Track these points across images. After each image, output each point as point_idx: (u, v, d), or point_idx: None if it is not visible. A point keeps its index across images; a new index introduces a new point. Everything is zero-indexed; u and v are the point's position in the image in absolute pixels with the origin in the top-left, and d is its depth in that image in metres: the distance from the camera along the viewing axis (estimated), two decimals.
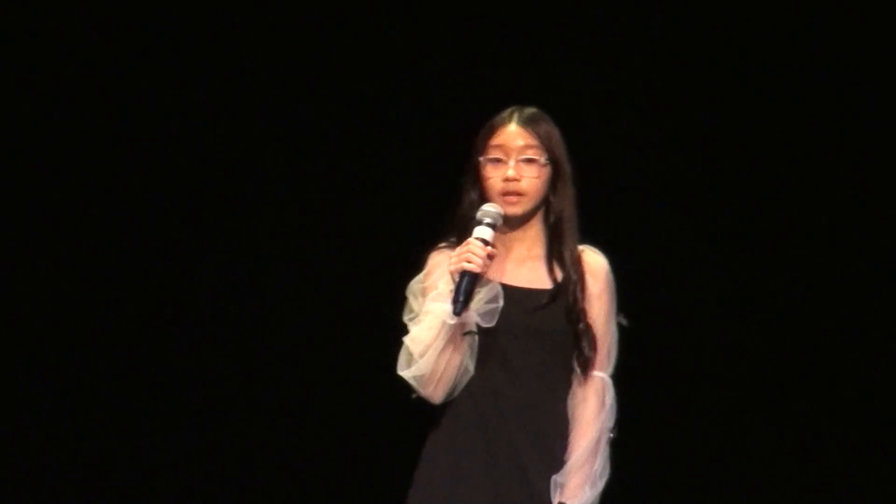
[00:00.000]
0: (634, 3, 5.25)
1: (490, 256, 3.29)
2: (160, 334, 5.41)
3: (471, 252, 3.28)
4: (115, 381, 5.47)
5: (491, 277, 3.34)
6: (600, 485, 3.38)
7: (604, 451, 3.38)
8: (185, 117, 5.36)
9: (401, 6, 5.20)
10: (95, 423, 5.45)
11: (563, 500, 3.33)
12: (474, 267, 3.27)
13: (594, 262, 3.46)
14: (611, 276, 3.46)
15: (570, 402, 3.40)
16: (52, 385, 5.48)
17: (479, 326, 3.33)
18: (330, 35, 5.27)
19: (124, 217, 5.43)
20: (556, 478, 3.34)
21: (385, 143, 5.13)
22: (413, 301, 3.43)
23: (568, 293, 3.38)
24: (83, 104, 5.44)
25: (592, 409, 3.39)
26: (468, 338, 3.34)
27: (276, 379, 5.28)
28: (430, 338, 3.31)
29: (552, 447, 3.37)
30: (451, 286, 3.31)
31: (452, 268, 3.30)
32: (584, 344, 3.38)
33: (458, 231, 3.44)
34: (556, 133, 3.44)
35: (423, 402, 3.39)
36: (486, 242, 3.30)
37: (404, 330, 3.42)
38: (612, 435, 3.41)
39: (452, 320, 3.29)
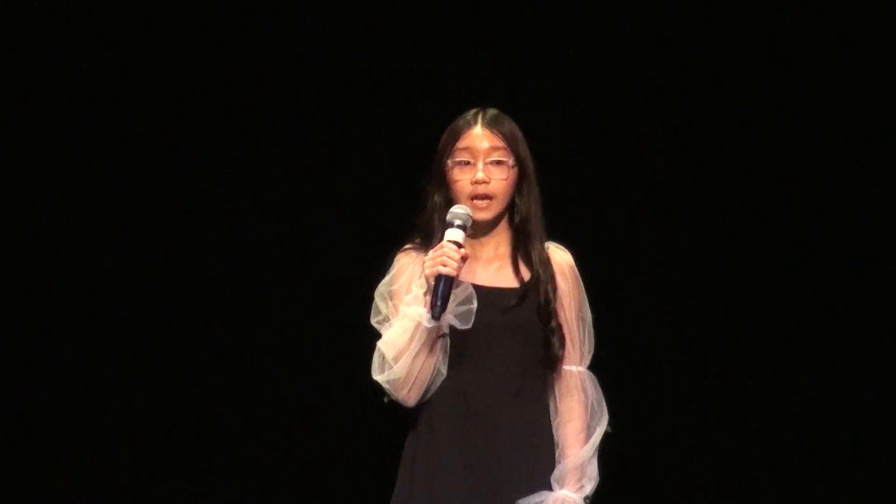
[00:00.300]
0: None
1: (463, 259, 3.31)
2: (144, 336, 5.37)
3: (445, 255, 3.28)
4: (111, 382, 5.41)
5: (461, 279, 3.36)
6: (597, 477, 3.43)
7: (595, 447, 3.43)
8: (160, 125, 5.31)
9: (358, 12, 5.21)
10: (93, 424, 5.39)
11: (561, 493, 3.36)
12: (450, 270, 3.27)
13: (560, 258, 3.49)
14: (576, 271, 3.51)
15: (550, 400, 3.44)
16: (48, 385, 5.40)
17: (451, 328, 3.34)
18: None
19: (117, 218, 5.36)
20: (553, 476, 3.38)
21: (344, 148, 5.11)
22: (381, 303, 3.43)
23: (539, 292, 3.41)
24: (80, 104, 5.35)
25: (575, 403, 3.43)
26: (441, 340, 3.35)
27: (250, 383, 5.26)
28: (405, 341, 3.32)
29: (528, 444, 3.39)
30: (425, 289, 3.31)
31: (428, 272, 3.30)
32: (555, 341, 3.41)
33: (424, 233, 3.45)
34: (519, 133, 3.46)
35: (395, 406, 3.40)
36: (458, 245, 3.31)
37: (371, 332, 3.42)
38: (608, 430, 3.45)
39: (431, 324, 3.29)
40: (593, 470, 3.43)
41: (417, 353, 3.32)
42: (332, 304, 4.64)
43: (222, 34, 5.21)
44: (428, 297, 3.29)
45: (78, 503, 5.25)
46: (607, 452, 3.48)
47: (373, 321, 3.43)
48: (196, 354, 5.24)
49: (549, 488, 3.38)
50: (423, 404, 3.38)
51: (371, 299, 3.45)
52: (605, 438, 3.45)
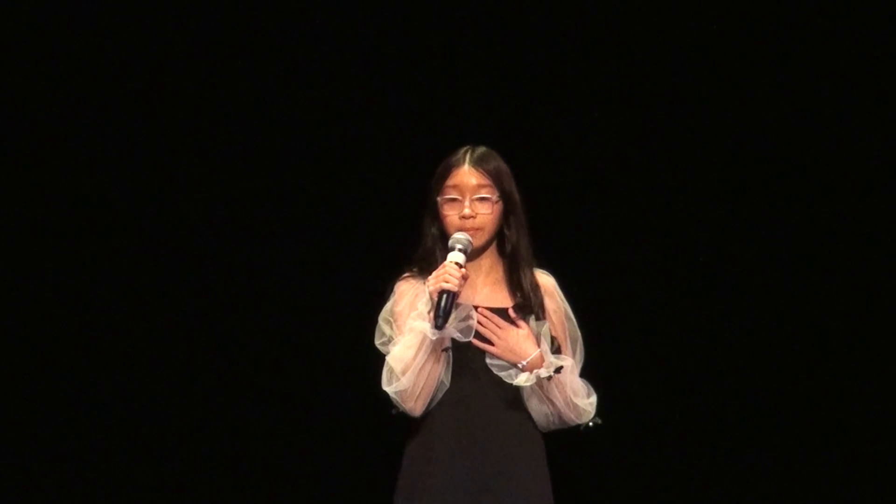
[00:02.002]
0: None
1: (464, 277, 3.62)
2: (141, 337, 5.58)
3: (448, 273, 3.58)
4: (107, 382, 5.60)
5: (461, 300, 3.66)
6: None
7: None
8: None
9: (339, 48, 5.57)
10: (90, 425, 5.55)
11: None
12: (452, 286, 3.57)
13: (546, 283, 3.82)
14: (559, 290, 3.83)
15: None
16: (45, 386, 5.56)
17: (453, 342, 3.64)
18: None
19: (114, 219, 5.59)
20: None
21: (344, 187, 5.42)
22: (385, 326, 3.72)
23: (532, 311, 3.72)
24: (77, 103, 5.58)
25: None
26: (444, 354, 3.64)
27: (257, 395, 5.50)
28: (411, 355, 3.61)
29: (523, 449, 3.68)
30: (430, 306, 3.61)
31: (432, 288, 3.59)
32: None
33: (421, 263, 3.75)
34: (504, 169, 3.78)
35: (401, 417, 3.67)
36: (459, 265, 3.62)
37: (376, 353, 3.71)
38: (599, 421, 3.75)
39: (434, 336, 3.59)
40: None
41: (423, 366, 3.60)
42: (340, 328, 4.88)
43: (224, 51, 5.49)
44: (432, 313, 3.60)
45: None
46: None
47: (377, 343, 3.72)
48: (207, 367, 5.50)
49: (549, 487, 3.71)
50: (425, 415, 3.65)
51: (375, 322, 3.75)
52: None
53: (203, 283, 5.50)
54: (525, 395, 3.72)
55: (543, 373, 3.67)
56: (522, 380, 3.67)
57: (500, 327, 3.67)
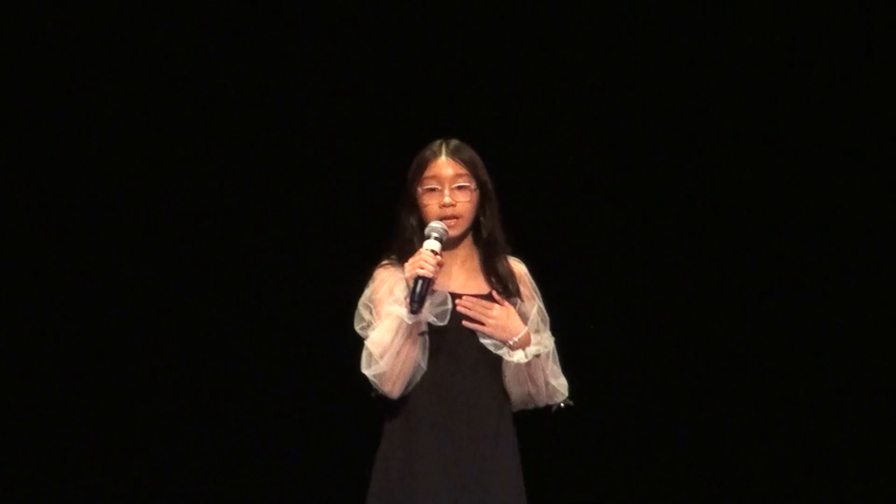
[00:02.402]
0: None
1: (439, 265, 3.76)
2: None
3: (423, 260, 3.74)
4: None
5: (437, 286, 3.81)
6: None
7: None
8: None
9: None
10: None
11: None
12: (427, 272, 3.72)
13: (518, 268, 3.97)
14: (530, 276, 4.00)
15: None
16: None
17: (430, 327, 3.79)
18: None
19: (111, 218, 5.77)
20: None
21: (324, 181, 5.60)
22: (364, 311, 3.87)
23: (508, 298, 3.87)
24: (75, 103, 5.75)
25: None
26: (421, 338, 3.78)
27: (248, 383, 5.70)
28: (389, 339, 3.75)
29: (501, 430, 3.83)
30: (406, 292, 3.76)
31: (408, 274, 3.75)
32: None
33: (400, 251, 3.89)
34: (478, 158, 3.93)
35: (381, 399, 3.81)
36: (435, 252, 3.77)
37: (356, 338, 3.85)
38: (571, 402, 3.89)
39: (410, 320, 3.74)
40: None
41: (400, 349, 3.75)
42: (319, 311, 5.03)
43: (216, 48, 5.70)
44: (408, 298, 3.75)
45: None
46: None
47: (357, 328, 3.86)
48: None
49: (520, 467, 3.86)
50: (404, 398, 3.80)
51: (354, 308, 3.89)
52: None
53: (186, 270, 5.68)
54: (507, 376, 3.86)
55: (534, 350, 3.83)
56: (518, 357, 3.81)
57: (487, 307, 3.81)
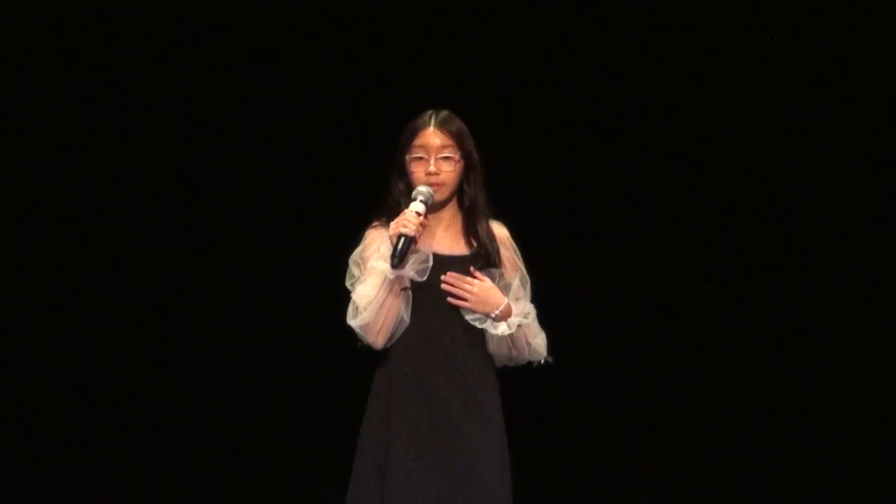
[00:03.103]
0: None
1: (422, 225, 4.05)
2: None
3: (406, 219, 4.02)
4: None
5: (421, 247, 4.09)
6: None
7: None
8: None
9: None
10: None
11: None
12: (409, 230, 4.01)
13: (500, 232, 4.24)
14: (511, 239, 4.26)
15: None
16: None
17: (412, 283, 4.07)
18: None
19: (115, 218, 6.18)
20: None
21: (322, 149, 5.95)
22: (354, 268, 4.15)
23: (487, 259, 4.15)
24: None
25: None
26: (404, 293, 4.07)
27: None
28: (374, 292, 4.04)
29: (472, 379, 4.11)
30: (390, 249, 4.05)
31: (391, 232, 4.04)
32: None
33: (389, 214, 4.17)
34: (465, 130, 4.20)
35: (367, 350, 4.10)
36: (419, 214, 4.05)
37: (346, 292, 4.14)
38: (550, 359, 4.17)
39: (392, 275, 4.02)
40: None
41: (384, 302, 4.03)
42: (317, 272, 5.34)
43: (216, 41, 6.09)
44: (391, 254, 4.03)
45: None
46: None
47: (347, 283, 4.14)
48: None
49: (500, 412, 4.13)
50: (388, 350, 4.09)
51: (346, 266, 4.19)
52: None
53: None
54: (490, 343, 4.14)
55: (517, 321, 4.10)
56: (502, 329, 4.09)
57: (469, 284, 4.09)
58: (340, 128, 5.97)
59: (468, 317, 4.09)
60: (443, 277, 4.09)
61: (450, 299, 4.07)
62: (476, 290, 4.08)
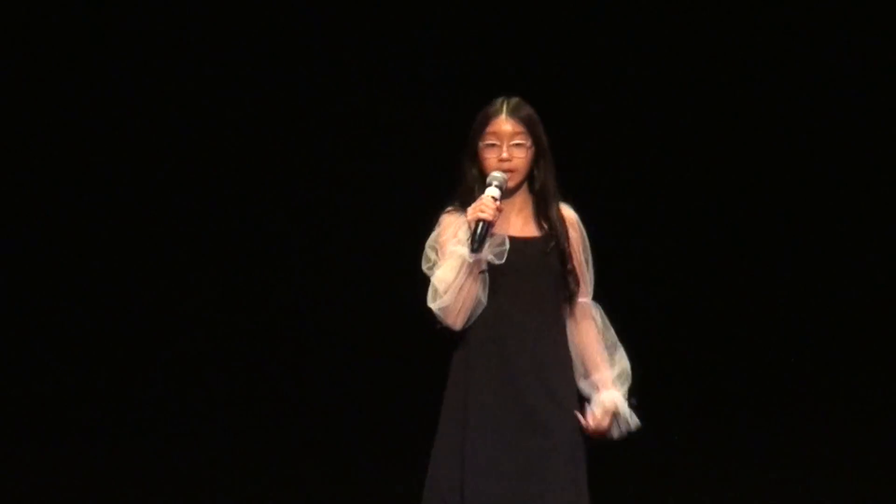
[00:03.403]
0: None
1: (499, 209, 4.19)
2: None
3: (484, 204, 4.16)
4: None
5: (497, 230, 4.23)
6: (628, 382, 4.31)
7: (622, 356, 4.32)
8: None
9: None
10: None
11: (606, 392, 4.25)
12: (487, 215, 4.15)
13: (569, 215, 4.38)
14: (581, 224, 4.40)
15: (567, 327, 4.32)
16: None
17: (489, 266, 4.21)
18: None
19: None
20: (590, 383, 4.28)
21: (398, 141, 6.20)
22: (430, 252, 4.28)
23: (557, 241, 4.29)
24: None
25: (590, 327, 4.33)
26: (482, 276, 4.21)
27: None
28: (453, 276, 4.17)
29: (553, 358, 4.26)
30: (469, 234, 4.19)
31: (469, 217, 4.17)
32: (570, 279, 4.30)
33: (462, 199, 4.31)
34: (536, 117, 4.33)
35: (445, 331, 4.24)
36: (494, 199, 4.19)
37: (423, 276, 4.28)
38: (635, 402, 4.34)
39: (471, 258, 4.15)
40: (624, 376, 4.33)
41: (462, 285, 4.16)
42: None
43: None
44: (469, 239, 4.17)
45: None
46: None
47: (424, 268, 4.27)
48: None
49: (576, 395, 4.26)
50: (466, 331, 4.23)
51: (422, 251, 4.33)
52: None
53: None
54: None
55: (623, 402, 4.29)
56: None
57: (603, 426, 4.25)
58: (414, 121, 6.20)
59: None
60: (507, 241, 4.21)
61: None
62: (605, 425, 4.26)
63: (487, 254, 4.19)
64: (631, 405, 4.29)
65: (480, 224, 4.15)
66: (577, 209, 4.42)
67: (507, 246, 4.22)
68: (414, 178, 5.91)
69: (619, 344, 4.34)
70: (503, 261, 4.21)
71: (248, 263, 6.51)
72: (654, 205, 6.59)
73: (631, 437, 4.33)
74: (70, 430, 6.57)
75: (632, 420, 4.27)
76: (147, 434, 6.61)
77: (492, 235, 4.20)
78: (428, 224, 4.36)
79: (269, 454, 6.84)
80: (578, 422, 4.25)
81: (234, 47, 6.28)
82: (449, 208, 4.35)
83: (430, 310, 4.21)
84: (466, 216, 4.21)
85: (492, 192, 4.21)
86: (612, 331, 4.36)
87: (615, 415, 4.25)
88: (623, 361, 4.33)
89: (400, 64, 6.33)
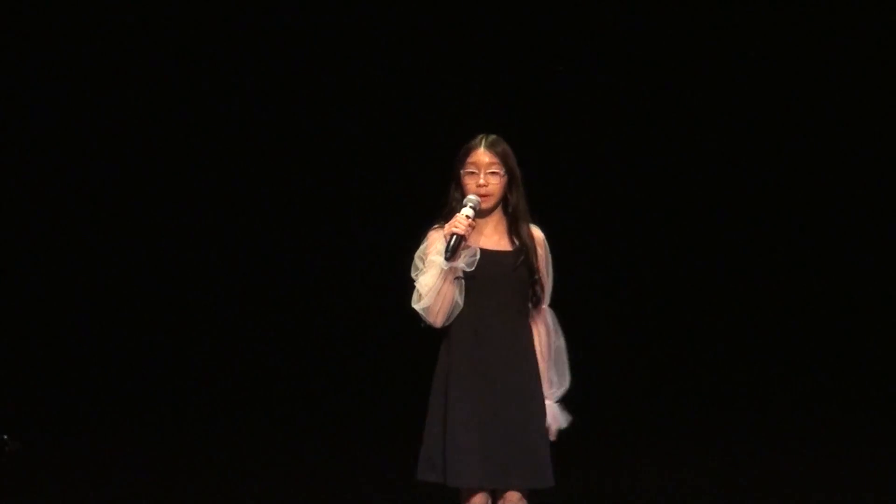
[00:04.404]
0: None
1: (471, 226, 5.01)
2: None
3: (458, 221, 5.00)
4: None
5: (471, 244, 5.06)
6: (565, 384, 5.18)
7: (560, 364, 5.17)
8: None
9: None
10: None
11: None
12: (460, 230, 4.98)
13: (538, 234, 5.20)
14: (546, 242, 5.22)
15: (530, 325, 5.17)
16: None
17: (465, 273, 5.03)
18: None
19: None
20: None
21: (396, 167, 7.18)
22: (418, 262, 5.11)
23: (527, 255, 5.11)
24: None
25: (544, 328, 5.18)
26: (458, 282, 5.04)
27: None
28: (433, 282, 5.01)
29: (517, 350, 5.10)
30: (445, 247, 5.02)
31: (445, 231, 5.01)
32: (537, 288, 5.14)
33: (446, 217, 5.13)
34: (509, 151, 5.16)
35: (428, 328, 5.08)
36: (468, 217, 5.02)
37: (412, 282, 5.12)
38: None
39: (446, 266, 4.99)
40: (561, 378, 5.16)
41: (441, 289, 5.00)
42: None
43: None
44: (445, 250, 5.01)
45: None
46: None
47: (413, 275, 5.10)
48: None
49: (537, 386, 5.12)
50: (447, 328, 5.06)
51: (412, 261, 5.17)
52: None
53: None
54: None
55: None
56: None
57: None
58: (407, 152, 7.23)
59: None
60: (478, 252, 5.03)
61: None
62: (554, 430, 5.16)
63: (461, 263, 5.02)
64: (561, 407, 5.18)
65: (454, 237, 4.99)
66: (544, 227, 5.25)
67: (478, 257, 5.05)
68: (406, 201, 6.81)
69: (563, 349, 5.19)
70: (473, 269, 5.04)
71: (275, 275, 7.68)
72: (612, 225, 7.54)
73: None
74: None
75: (563, 419, 5.16)
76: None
77: (466, 248, 5.04)
78: (418, 238, 5.20)
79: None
80: (539, 392, 5.11)
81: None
82: (435, 225, 5.18)
83: (415, 310, 5.05)
84: (444, 230, 5.05)
85: (466, 211, 5.04)
86: (562, 335, 5.19)
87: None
88: (563, 368, 5.19)
89: (402, 113, 7.38)
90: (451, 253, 4.98)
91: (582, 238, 7.07)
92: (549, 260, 5.21)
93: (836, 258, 8.63)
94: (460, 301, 5.07)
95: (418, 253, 5.15)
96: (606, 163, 7.88)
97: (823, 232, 8.44)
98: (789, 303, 8.61)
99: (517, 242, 5.16)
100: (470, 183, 5.13)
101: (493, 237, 5.17)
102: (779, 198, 8.44)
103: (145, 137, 7.60)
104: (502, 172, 5.13)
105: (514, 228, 5.18)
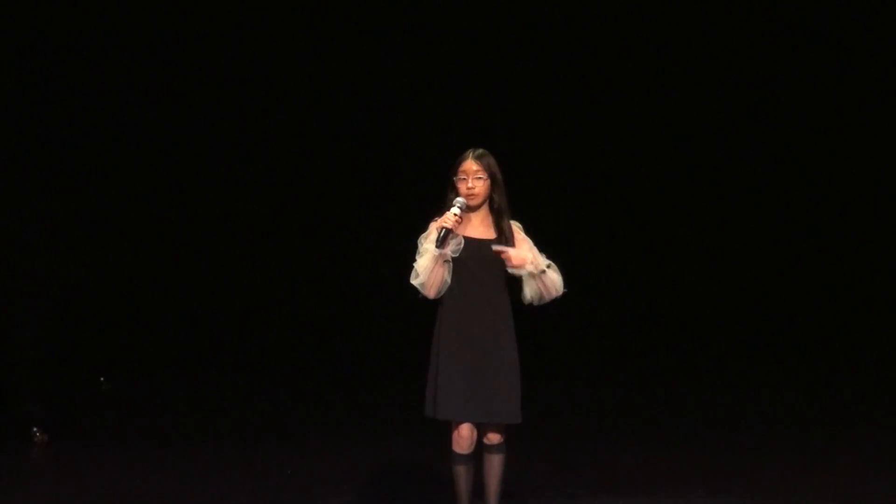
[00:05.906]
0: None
1: (458, 221, 6.40)
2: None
3: (447, 217, 6.38)
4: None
5: (460, 234, 6.46)
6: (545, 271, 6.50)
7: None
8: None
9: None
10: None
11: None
12: (448, 224, 6.35)
13: (516, 226, 6.54)
14: (524, 233, 6.54)
15: (507, 296, 6.53)
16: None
17: (452, 256, 6.43)
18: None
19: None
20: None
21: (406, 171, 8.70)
22: (420, 247, 6.51)
23: (506, 243, 6.44)
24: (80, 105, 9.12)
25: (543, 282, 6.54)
26: (447, 264, 6.43)
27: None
28: (427, 263, 6.40)
29: (494, 316, 6.46)
30: (436, 237, 6.43)
31: (435, 226, 6.41)
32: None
33: (442, 214, 6.55)
34: (493, 161, 6.53)
35: (424, 300, 6.48)
36: (456, 214, 6.41)
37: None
38: (566, 290, 6.51)
39: (437, 252, 6.37)
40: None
41: (433, 269, 6.38)
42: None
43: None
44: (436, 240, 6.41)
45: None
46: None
47: (417, 257, 6.52)
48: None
49: (509, 344, 6.53)
50: (440, 299, 6.44)
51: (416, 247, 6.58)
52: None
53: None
54: (527, 287, 6.45)
55: (537, 266, 6.42)
56: (528, 270, 6.40)
57: (510, 248, 6.42)
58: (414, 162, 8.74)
59: (511, 270, 6.41)
60: (494, 248, 6.38)
61: (495, 247, 6.37)
62: (514, 251, 6.39)
63: (448, 249, 6.41)
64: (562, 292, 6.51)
65: (443, 230, 6.38)
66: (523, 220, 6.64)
67: (463, 244, 6.44)
68: (413, 200, 8.14)
69: (555, 279, 6.48)
70: (458, 254, 6.43)
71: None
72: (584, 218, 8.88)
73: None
74: None
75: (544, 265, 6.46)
76: None
77: (454, 237, 6.43)
78: (422, 229, 6.61)
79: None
80: (517, 356, 6.48)
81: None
82: (435, 218, 6.58)
83: (412, 285, 6.48)
84: (435, 224, 6.46)
85: (454, 210, 6.43)
86: (559, 274, 6.51)
87: (534, 268, 6.38)
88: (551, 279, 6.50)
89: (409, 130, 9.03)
90: (441, 242, 6.35)
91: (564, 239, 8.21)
92: (528, 238, 6.52)
93: (835, 258, 9.88)
94: (448, 279, 6.45)
95: (420, 239, 6.52)
96: (599, 167, 9.22)
97: (826, 231, 9.67)
98: (782, 292, 9.92)
99: (498, 232, 6.54)
100: (461, 186, 6.49)
101: (480, 228, 6.53)
102: (778, 197, 9.70)
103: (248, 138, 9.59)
104: (486, 177, 6.49)
105: (498, 222, 6.54)
